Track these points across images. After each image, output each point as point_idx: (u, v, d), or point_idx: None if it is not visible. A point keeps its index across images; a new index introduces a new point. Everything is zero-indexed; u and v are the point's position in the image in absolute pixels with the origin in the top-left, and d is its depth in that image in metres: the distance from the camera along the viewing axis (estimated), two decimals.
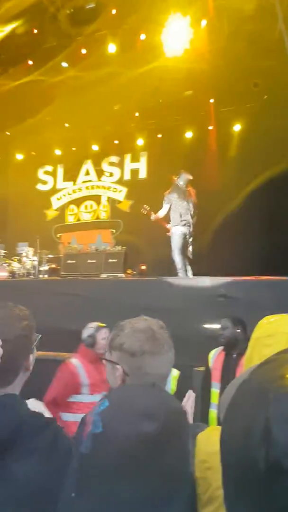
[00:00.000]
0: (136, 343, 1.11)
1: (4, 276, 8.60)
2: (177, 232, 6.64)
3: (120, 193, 12.00)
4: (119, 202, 11.98)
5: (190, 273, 6.73)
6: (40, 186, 13.01)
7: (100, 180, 12.34)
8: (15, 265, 9.05)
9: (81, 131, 11.74)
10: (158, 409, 0.86)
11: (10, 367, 1.09)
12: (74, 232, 12.27)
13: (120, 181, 12.07)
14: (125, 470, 0.81)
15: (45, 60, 9.79)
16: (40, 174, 13.07)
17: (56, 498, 0.88)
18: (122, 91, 9.52)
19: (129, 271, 8.65)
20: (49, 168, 13.02)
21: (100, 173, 12.33)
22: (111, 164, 12.20)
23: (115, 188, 12.11)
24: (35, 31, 9.29)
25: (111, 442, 0.83)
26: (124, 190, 11.94)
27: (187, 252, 6.80)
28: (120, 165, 12.07)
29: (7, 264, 9.03)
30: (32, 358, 1.16)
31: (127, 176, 12.00)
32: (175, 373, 3.21)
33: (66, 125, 11.76)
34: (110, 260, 8.57)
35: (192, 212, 6.76)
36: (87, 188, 12.54)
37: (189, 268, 6.78)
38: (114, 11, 8.53)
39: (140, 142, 11.60)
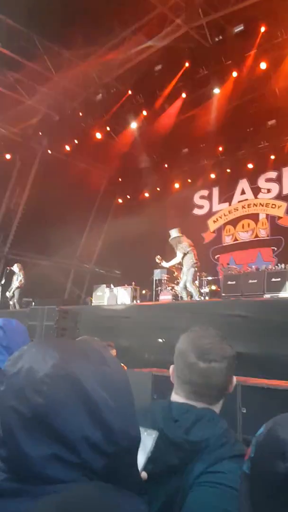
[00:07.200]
0: None
1: (168, 299, 9.04)
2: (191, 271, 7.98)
3: (280, 209, 11.47)
4: (279, 218, 11.45)
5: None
6: (196, 211, 13.40)
7: (257, 198, 12.06)
8: (177, 288, 9.41)
9: (235, 151, 11.78)
10: None
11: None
12: (231, 253, 12.18)
13: (279, 196, 11.56)
14: None
15: (197, 90, 10.23)
16: (196, 199, 13.50)
17: None
18: (275, 106, 9.29)
19: None
20: (204, 192, 13.35)
21: (256, 190, 12.06)
22: (269, 180, 11.82)
23: (274, 204, 11.65)
24: (187, 64, 9.76)
25: None
26: (285, 204, 11.38)
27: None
28: (278, 179, 11.60)
29: (170, 288, 9.48)
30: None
31: (286, 190, 11.44)
32: None
33: (220, 148, 11.96)
34: (273, 279, 8.18)
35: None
36: (243, 207, 12.39)
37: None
38: (263, 29, 8.38)
39: None
